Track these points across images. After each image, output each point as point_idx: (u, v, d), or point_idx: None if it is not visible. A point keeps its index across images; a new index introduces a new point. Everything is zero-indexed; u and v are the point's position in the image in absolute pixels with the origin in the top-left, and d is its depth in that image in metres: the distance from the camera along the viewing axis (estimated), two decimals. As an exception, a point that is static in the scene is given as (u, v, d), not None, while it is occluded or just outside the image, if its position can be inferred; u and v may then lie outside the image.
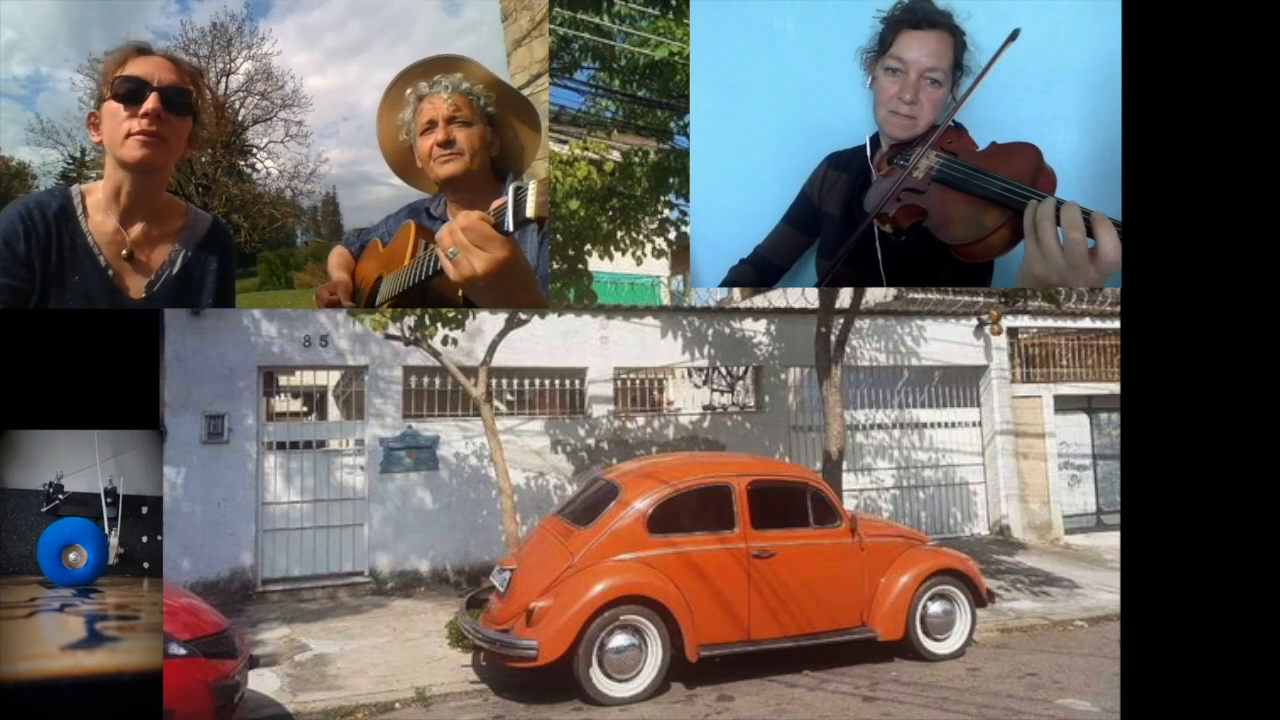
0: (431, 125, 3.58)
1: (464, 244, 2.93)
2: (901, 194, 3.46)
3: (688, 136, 5.89)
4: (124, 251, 3.12)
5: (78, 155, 6.92)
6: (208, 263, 3.28)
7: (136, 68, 3.07)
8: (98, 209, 3.12)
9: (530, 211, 2.89)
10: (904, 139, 3.60)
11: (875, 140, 3.76)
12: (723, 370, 11.51)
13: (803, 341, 10.44)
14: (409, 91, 3.66)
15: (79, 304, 3.06)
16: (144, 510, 4.46)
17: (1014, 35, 3.37)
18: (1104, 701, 5.62)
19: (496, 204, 2.99)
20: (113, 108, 3.04)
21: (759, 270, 3.98)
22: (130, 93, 3.03)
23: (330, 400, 11.13)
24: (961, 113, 3.59)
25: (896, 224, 3.49)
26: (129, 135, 3.04)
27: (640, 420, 10.40)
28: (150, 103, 3.04)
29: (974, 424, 12.28)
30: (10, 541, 4.25)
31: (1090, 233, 2.96)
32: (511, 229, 2.93)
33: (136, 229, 3.16)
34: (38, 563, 4.20)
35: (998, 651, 6.92)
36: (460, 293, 3.30)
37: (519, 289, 3.14)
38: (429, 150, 3.61)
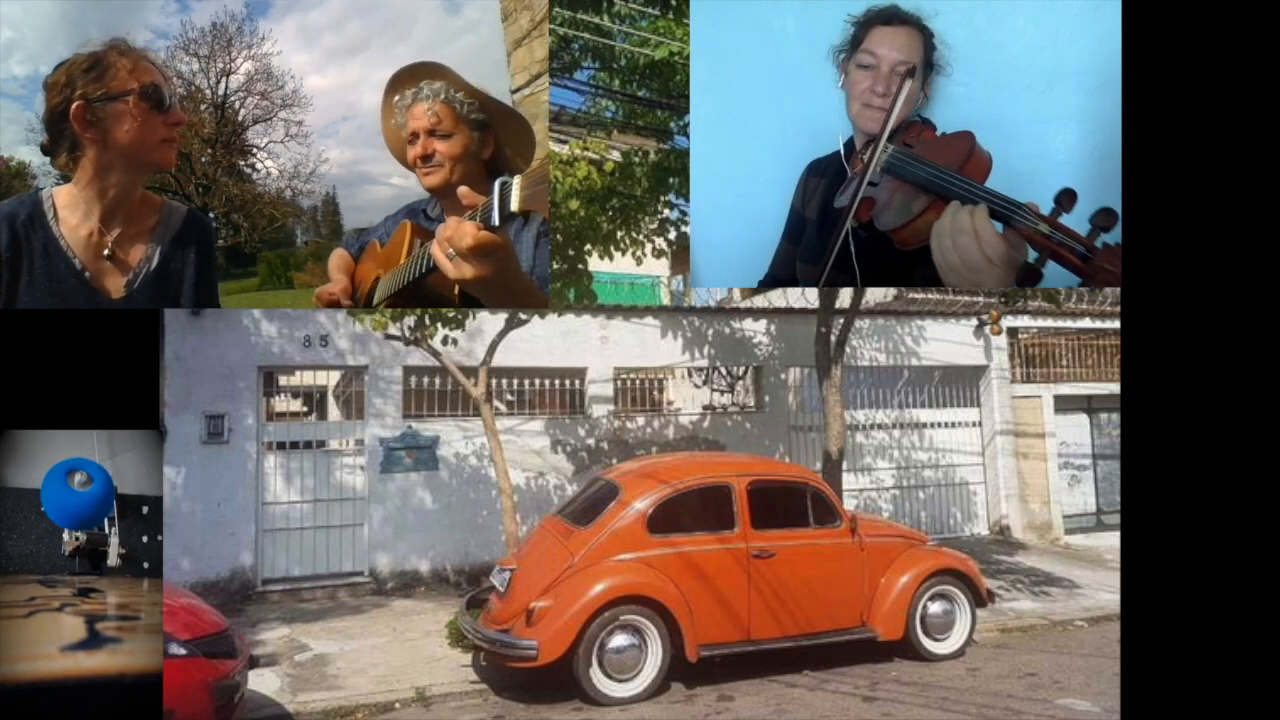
0: (415, 137, 3.62)
1: (460, 249, 2.95)
2: (865, 187, 3.50)
3: (688, 136, 5.89)
4: (105, 252, 3.07)
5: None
6: (185, 255, 3.22)
7: (150, 71, 3.04)
8: (71, 211, 3.05)
9: (514, 205, 2.89)
10: (877, 133, 3.62)
11: (851, 143, 3.77)
12: (723, 370, 11.51)
13: (803, 341, 10.44)
14: (396, 99, 3.72)
15: (55, 308, 3.01)
16: (144, 510, 4.44)
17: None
18: (1104, 701, 5.62)
19: (481, 202, 3.00)
20: (139, 111, 2.99)
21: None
22: (158, 97, 3.02)
23: (330, 400, 11.13)
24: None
25: (859, 218, 3.53)
26: (164, 141, 3.06)
27: (640, 420, 10.40)
28: (177, 109, 3.08)
29: (974, 424, 12.28)
30: (10, 540, 4.22)
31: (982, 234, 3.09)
32: (498, 223, 2.93)
33: (117, 228, 3.12)
34: (41, 493, 4.04)
35: (998, 651, 6.92)
36: (456, 290, 3.31)
37: (514, 282, 3.16)
38: (414, 162, 3.67)
